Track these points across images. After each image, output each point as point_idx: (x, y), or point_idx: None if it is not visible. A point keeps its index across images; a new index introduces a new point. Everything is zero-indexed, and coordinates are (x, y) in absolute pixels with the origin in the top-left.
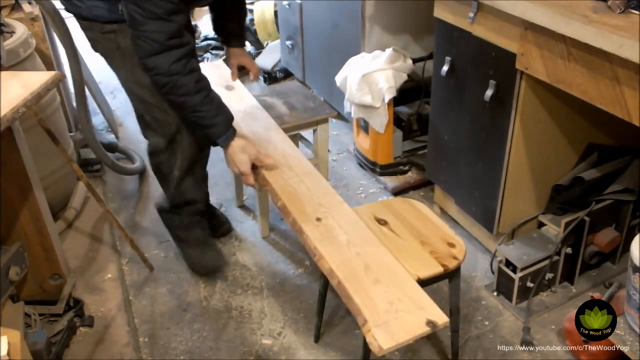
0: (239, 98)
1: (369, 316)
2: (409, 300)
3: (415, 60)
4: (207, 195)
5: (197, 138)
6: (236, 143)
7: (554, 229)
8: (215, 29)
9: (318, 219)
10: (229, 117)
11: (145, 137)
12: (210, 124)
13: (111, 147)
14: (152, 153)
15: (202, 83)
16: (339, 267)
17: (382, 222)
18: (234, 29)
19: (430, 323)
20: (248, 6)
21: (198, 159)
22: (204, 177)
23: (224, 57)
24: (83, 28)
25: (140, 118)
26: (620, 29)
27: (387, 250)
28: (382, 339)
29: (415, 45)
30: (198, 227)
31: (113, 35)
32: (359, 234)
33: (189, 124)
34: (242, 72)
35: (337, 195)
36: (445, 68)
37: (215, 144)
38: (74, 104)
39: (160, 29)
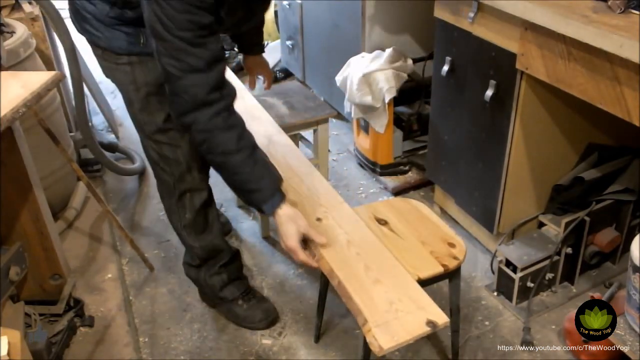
0: (238, 97)
1: (369, 316)
2: (409, 300)
3: (415, 60)
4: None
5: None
6: (284, 212)
7: (554, 229)
8: (233, 36)
9: (318, 219)
10: (276, 181)
11: (156, 176)
12: (253, 188)
13: (111, 147)
14: (161, 195)
15: (245, 141)
16: (339, 268)
17: (382, 222)
18: (253, 36)
19: (430, 323)
20: None
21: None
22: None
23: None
24: (96, 55)
25: (148, 155)
26: (621, 29)
27: (388, 250)
28: (382, 339)
29: (415, 45)
30: (238, 280)
31: (129, 67)
32: (359, 234)
33: (232, 188)
34: (240, 73)
35: (337, 195)
36: (445, 68)
37: (261, 211)
38: (74, 104)
39: (200, 82)
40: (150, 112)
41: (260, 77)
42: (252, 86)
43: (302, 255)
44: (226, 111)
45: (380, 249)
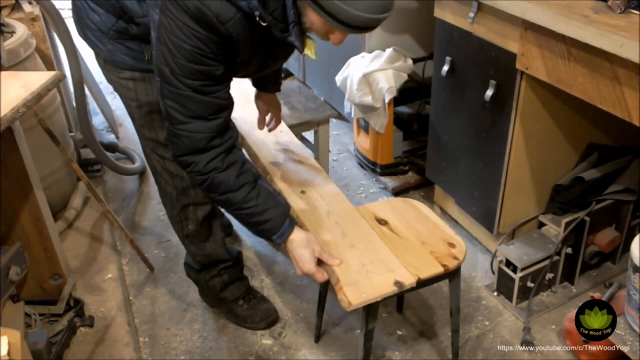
0: (235, 81)
1: (341, 276)
2: (380, 263)
3: (415, 60)
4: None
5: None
6: (296, 237)
7: (554, 229)
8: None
9: (302, 192)
10: (284, 209)
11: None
12: (261, 220)
13: (111, 147)
14: (164, 202)
15: (245, 176)
16: (317, 234)
17: (382, 222)
18: (270, 76)
19: (397, 283)
20: None
21: (217, 213)
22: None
23: None
24: (98, 62)
25: (150, 164)
26: (621, 29)
27: (365, 220)
28: (352, 295)
29: (415, 45)
30: (239, 281)
31: (132, 83)
32: (340, 206)
33: (241, 223)
34: None
35: (322, 171)
36: (445, 68)
37: (273, 241)
38: (74, 104)
39: (202, 129)
40: (153, 129)
41: (268, 116)
42: (260, 126)
43: (321, 277)
44: (224, 153)
45: (357, 220)
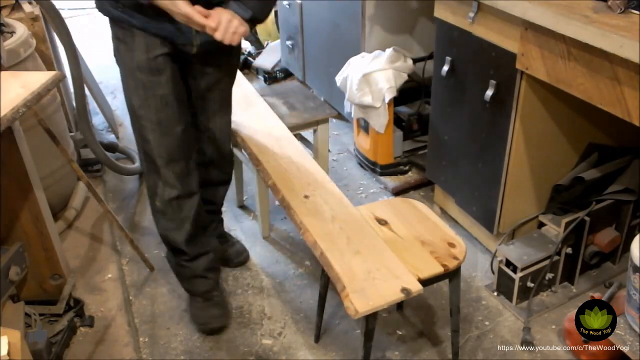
0: (237, 85)
1: (348, 283)
2: (386, 269)
3: (415, 60)
4: (215, 250)
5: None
6: None
7: (554, 229)
8: None
9: (306, 196)
10: None
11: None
12: None
13: (111, 147)
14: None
15: None
16: (322, 240)
17: (382, 222)
18: None
19: (404, 290)
20: None
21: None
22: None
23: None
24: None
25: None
26: (621, 29)
27: (369, 225)
28: (358, 303)
29: (415, 45)
30: (202, 279)
31: (116, 43)
32: (344, 211)
33: None
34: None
35: (325, 175)
36: (445, 68)
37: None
38: (74, 104)
39: None
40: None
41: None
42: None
43: (198, 17)
44: None
45: (362, 225)
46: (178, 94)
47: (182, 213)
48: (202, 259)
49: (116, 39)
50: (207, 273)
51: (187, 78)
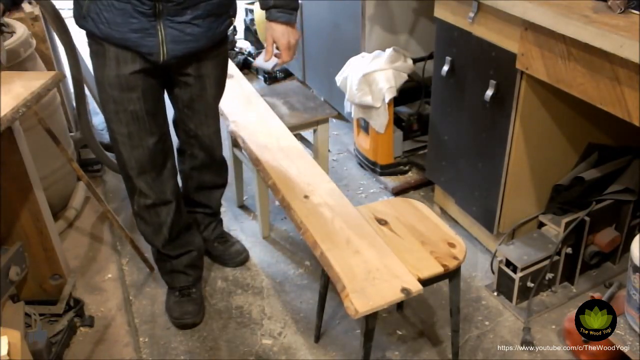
0: (238, 85)
1: (348, 283)
2: (386, 269)
3: (415, 60)
4: (199, 248)
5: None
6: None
7: (554, 229)
8: None
9: (306, 196)
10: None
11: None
12: None
13: (111, 147)
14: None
15: None
16: (322, 240)
17: (382, 222)
18: None
19: (404, 290)
20: (248, 6)
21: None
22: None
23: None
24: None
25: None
26: (621, 29)
27: (370, 225)
28: (358, 303)
29: (415, 45)
30: (182, 274)
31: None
32: (344, 211)
33: None
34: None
35: (325, 175)
36: (445, 68)
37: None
38: (74, 104)
39: None
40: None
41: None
42: (266, 57)
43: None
44: None
45: (362, 225)
46: (151, 108)
47: (159, 219)
48: (183, 257)
49: (90, 52)
50: (188, 270)
51: (173, 88)
